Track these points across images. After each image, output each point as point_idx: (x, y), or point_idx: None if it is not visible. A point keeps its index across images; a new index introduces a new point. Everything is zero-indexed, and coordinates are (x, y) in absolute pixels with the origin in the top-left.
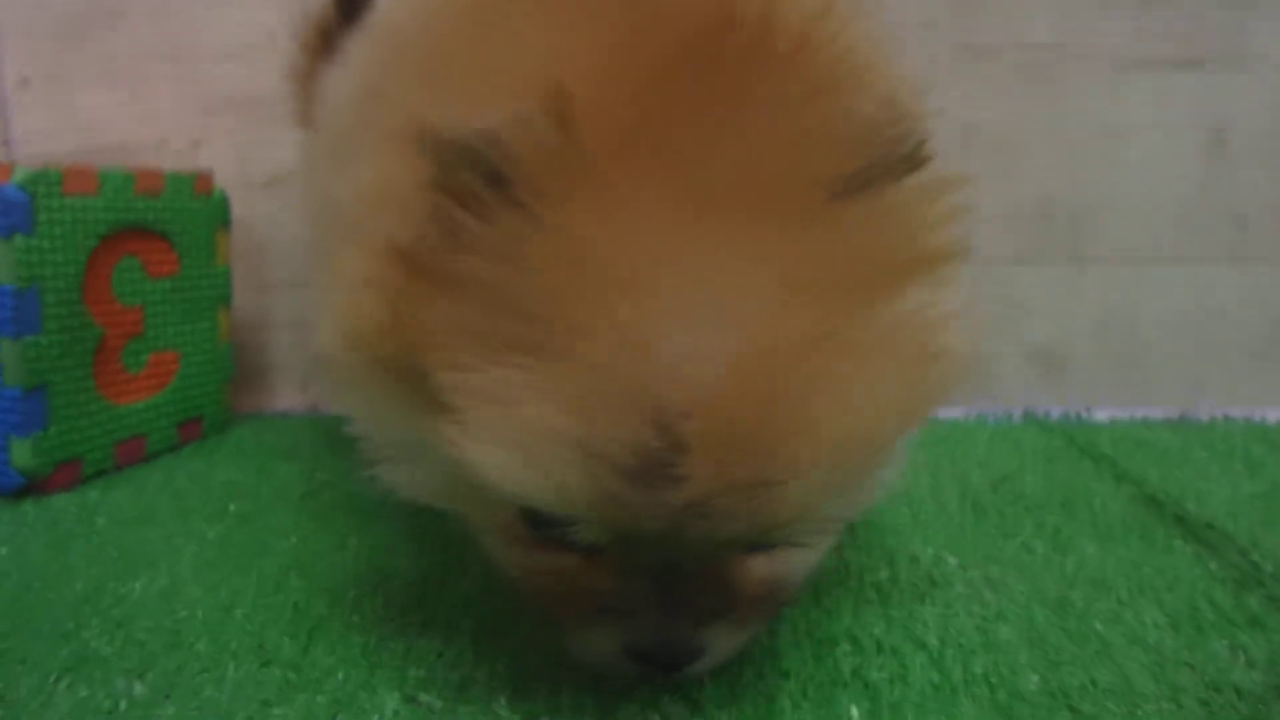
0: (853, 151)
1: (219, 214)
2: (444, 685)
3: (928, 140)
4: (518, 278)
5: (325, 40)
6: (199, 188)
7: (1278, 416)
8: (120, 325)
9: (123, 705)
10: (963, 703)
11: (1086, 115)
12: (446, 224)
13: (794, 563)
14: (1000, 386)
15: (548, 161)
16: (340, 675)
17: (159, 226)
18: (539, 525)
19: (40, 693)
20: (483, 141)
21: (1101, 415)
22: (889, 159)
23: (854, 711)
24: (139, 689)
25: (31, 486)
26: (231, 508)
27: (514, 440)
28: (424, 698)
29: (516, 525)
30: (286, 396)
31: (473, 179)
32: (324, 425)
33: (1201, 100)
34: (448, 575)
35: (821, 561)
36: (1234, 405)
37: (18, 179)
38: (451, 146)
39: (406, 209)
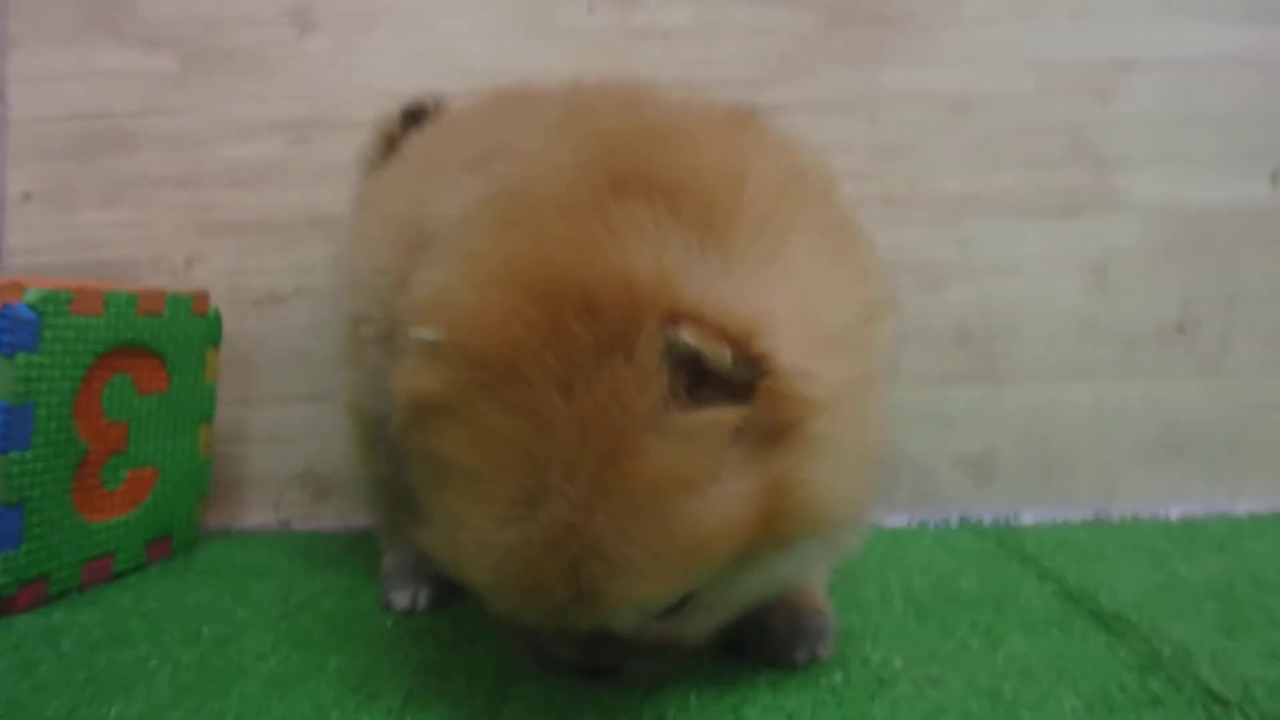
0: None
1: (212, 332)
2: None
3: None
4: None
5: None
6: (196, 307)
7: (1179, 513)
8: (104, 441)
9: None
10: None
11: (989, 253)
12: None
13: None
14: (938, 494)
15: None
16: None
17: (155, 345)
18: None
19: None
20: None
21: (1028, 518)
22: None
23: None
24: None
25: None
26: (205, 630)
27: None
28: None
29: None
30: (258, 513)
31: None
32: (296, 543)
33: (1083, 241)
34: (429, 698)
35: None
36: (1141, 504)
37: (29, 299)
38: None
39: None
